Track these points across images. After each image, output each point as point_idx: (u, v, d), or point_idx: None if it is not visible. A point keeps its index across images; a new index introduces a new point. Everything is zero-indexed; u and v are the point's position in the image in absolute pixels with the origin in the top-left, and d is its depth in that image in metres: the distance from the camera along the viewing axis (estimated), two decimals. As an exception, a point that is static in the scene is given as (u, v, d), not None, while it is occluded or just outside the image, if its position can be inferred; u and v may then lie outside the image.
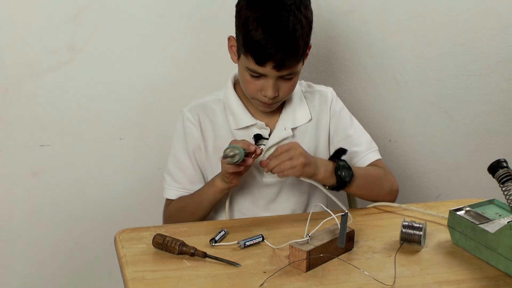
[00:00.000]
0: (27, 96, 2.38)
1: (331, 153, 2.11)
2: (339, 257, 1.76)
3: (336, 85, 2.63)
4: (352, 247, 1.82)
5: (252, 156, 1.92)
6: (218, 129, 2.10)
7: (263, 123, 2.10)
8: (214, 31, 2.42)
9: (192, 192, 2.09)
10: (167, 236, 1.77)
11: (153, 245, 1.78)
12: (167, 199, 2.13)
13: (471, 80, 2.78)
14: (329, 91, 2.19)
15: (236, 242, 1.81)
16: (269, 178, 2.09)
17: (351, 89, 2.67)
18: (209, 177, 2.10)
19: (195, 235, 1.87)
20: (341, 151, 2.03)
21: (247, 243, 1.81)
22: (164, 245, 1.76)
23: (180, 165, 2.10)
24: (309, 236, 1.74)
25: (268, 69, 1.95)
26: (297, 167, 1.89)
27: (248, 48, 1.94)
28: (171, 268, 1.70)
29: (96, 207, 2.53)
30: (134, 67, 2.44)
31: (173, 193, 2.11)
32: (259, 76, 1.97)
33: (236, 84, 2.13)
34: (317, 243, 1.73)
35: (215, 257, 1.74)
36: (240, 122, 2.09)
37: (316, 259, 1.71)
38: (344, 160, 2.01)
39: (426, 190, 2.85)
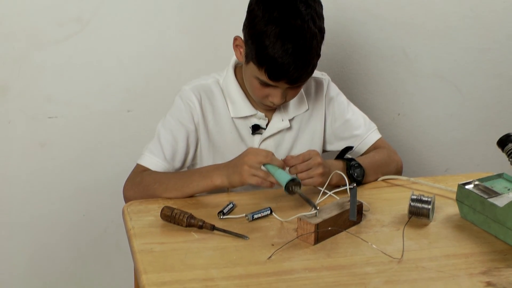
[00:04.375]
0: (35, 67, 2.37)
1: (327, 139, 2.18)
2: (347, 230, 1.75)
3: (345, 58, 2.62)
4: (361, 221, 1.81)
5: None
6: (218, 112, 2.08)
7: (263, 114, 2.09)
8: (227, 1, 2.40)
9: (168, 168, 2.03)
10: (175, 208, 1.77)
11: (161, 218, 1.78)
12: (141, 165, 2.04)
13: (481, 54, 2.76)
14: (324, 78, 2.19)
15: (244, 215, 1.81)
16: None
17: (360, 62, 2.65)
18: (211, 158, 2.09)
19: (203, 207, 1.87)
20: (347, 149, 2.06)
21: (255, 216, 1.81)
22: (172, 218, 1.76)
23: (171, 138, 2.05)
24: (318, 209, 1.74)
25: (281, 83, 1.94)
26: (315, 178, 1.89)
27: (262, 63, 1.90)
28: (179, 241, 1.70)
29: (104, 179, 2.53)
30: (142, 38, 2.43)
31: (154, 163, 2.03)
32: (268, 85, 1.96)
33: (236, 70, 2.10)
34: (325, 216, 1.72)
35: (223, 229, 1.73)
36: (240, 111, 2.08)
37: (324, 232, 1.70)
38: (353, 159, 2.02)
39: (435, 164, 2.85)
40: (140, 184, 1.99)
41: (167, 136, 2.05)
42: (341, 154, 2.07)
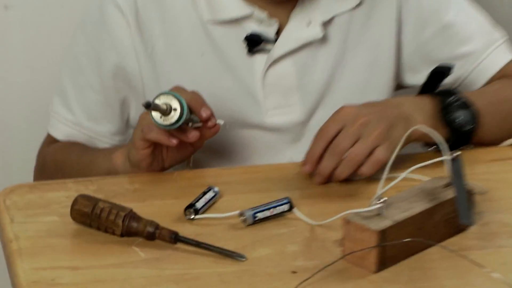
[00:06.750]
0: None
1: (406, 62, 2.25)
2: (441, 243, 1.71)
3: None
4: (470, 224, 1.81)
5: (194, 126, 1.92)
6: (174, 17, 2.15)
7: (265, 14, 2.12)
8: None
9: (89, 136, 2.20)
10: (100, 200, 1.75)
11: (73, 218, 1.76)
12: (50, 135, 2.26)
13: None
14: None
15: (237, 212, 1.79)
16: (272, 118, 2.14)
17: None
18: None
19: (155, 197, 1.89)
20: (442, 73, 2.07)
21: (259, 215, 1.78)
22: (95, 218, 1.73)
23: (82, 82, 2.18)
24: (383, 201, 1.68)
25: None
26: (373, 157, 1.88)
27: None
28: (109, 263, 1.68)
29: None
30: None
31: (61, 129, 2.21)
32: None
33: None
34: (397, 215, 1.68)
35: (196, 241, 1.71)
36: (221, 9, 2.13)
37: (396, 248, 1.66)
38: (453, 92, 2.03)
39: None
40: (43, 171, 2.21)
41: (75, 79, 2.20)
42: (430, 83, 2.06)
